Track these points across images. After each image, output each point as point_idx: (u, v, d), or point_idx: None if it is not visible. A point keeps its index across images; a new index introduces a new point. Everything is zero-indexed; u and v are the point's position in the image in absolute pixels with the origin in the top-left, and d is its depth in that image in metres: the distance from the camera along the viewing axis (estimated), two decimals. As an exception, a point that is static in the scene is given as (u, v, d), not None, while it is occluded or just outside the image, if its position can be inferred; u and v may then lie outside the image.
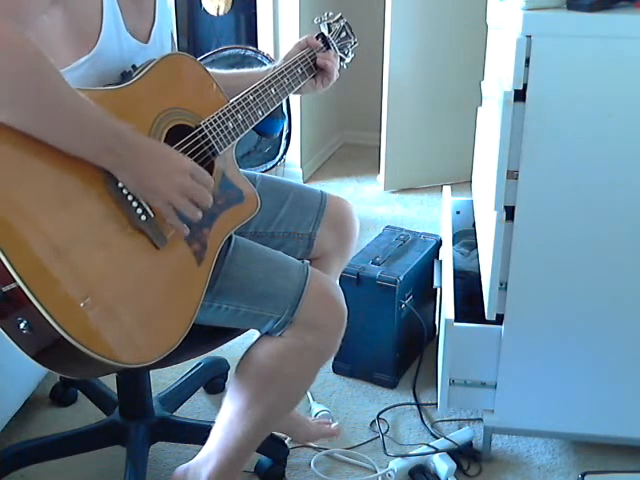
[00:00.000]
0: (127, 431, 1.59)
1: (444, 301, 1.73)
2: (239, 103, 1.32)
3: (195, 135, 1.24)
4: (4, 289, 0.94)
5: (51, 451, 1.64)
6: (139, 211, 1.11)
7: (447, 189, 2.26)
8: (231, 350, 1.62)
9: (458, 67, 3.19)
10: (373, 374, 2.00)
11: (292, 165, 3.37)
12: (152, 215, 1.13)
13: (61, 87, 1.02)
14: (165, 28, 1.35)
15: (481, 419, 1.72)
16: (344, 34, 1.59)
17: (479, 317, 1.61)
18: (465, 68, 3.02)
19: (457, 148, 3.18)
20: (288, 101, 2.56)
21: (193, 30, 3.63)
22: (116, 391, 1.64)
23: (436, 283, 2.02)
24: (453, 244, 2.02)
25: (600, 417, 1.64)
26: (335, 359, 2.01)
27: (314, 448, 1.75)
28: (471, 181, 2.41)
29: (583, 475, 1.63)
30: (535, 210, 1.48)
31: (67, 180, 1.04)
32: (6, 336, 1.00)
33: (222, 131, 1.28)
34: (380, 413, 1.88)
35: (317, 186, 1.67)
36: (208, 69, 1.36)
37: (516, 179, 1.46)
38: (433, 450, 1.70)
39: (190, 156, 1.20)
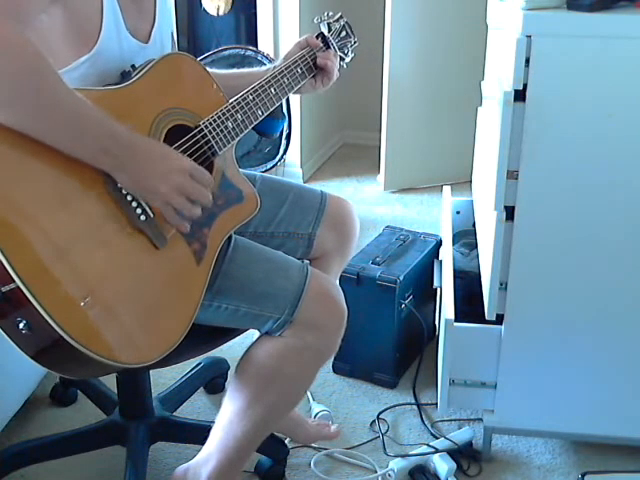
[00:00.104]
0: (127, 431, 1.59)
1: (444, 301, 1.73)
2: (239, 103, 1.32)
3: (195, 135, 1.24)
4: (3, 289, 0.94)
5: (51, 451, 1.64)
6: (138, 211, 1.11)
7: (447, 189, 2.26)
8: (231, 350, 1.62)
9: (458, 67, 3.19)
10: (373, 374, 2.00)
11: (292, 165, 3.37)
12: (152, 215, 1.13)
13: (59, 88, 1.02)
14: (165, 28, 1.34)
15: (481, 419, 1.72)
16: (344, 33, 1.59)
17: (479, 317, 1.61)
18: (465, 68, 3.02)
19: (457, 148, 3.18)
20: (288, 101, 2.56)
21: (193, 30, 3.63)
22: (116, 391, 1.64)
23: (436, 283, 2.02)
24: (453, 244, 2.02)
25: (600, 417, 1.64)
26: (335, 359, 2.01)
27: (314, 448, 1.75)
28: (471, 181, 2.41)
29: (583, 475, 1.63)
30: (535, 210, 1.48)
31: (66, 180, 1.04)
32: (5, 336, 1.00)
33: (222, 131, 1.28)
34: (380, 413, 1.88)
35: (317, 186, 1.67)
36: (208, 69, 1.36)
37: (516, 179, 1.45)
38: (433, 450, 1.70)
39: (189, 156, 1.20)
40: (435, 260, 2.11)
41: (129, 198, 1.10)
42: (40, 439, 1.68)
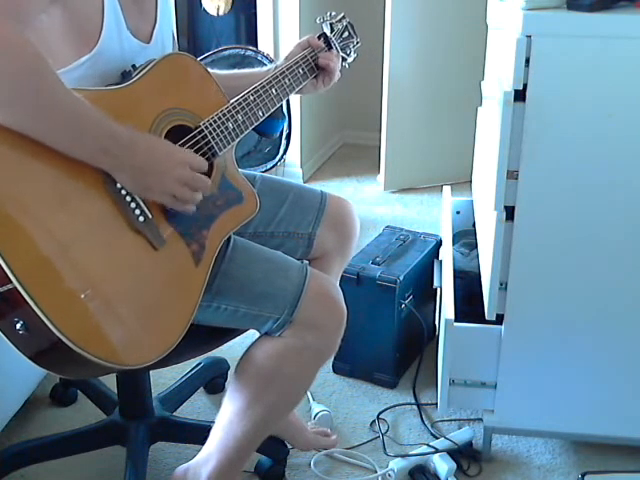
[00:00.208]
0: (127, 431, 1.59)
1: (444, 301, 1.73)
2: (239, 103, 1.32)
3: (195, 136, 1.24)
4: (0, 290, 0.94)
5: (51, 451, 1.64)
6: (137, 212, 1.11)
7: (447, 189, 2.26)
8: (231, 350, 1.61)
9: (458, 67, 3.19)
10: (373, 374, 2.00)
11: (292, 165, 3.37)
12: (150, 216, 1.13)
13: (59, 88, 1.02)
14: (166, 28, 1.34)
15: (481, 419, 1.72)
16: (347, 34, 1.59)
17: (479, 317, 1.61)
18: (465, 68, 3.02)
19: (457, 148, 3.18)
20: (288, 101, 2.56)
21: (193, 30, 3.63)
22: (116, 391, 1.64)
23: (436, 283, 2.02)
24: (453, 244, 2.02)
25: (600, 417, 1.64)
26: (335, 359, 2.01)
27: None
28: (471, 181, 2.41)
29: (583, 475, 1.63)
30: (535, 210, 1.48)
31: (66, 181, 1.04)
32: (3, 337, 1.00)
33: (222, 132, 1.28)
34: (380, 413, 1.88)
35: (317, 186, 1.67)
36: (208, 69, 1.36)
37: (516, 179, 1.45)
38: (433, 450, 1.70)
39: (190, 156, 1.20)
40: (435, 260, 2.11)
41: (128, 199, 1.10)
42: (40, 439, 1.68)
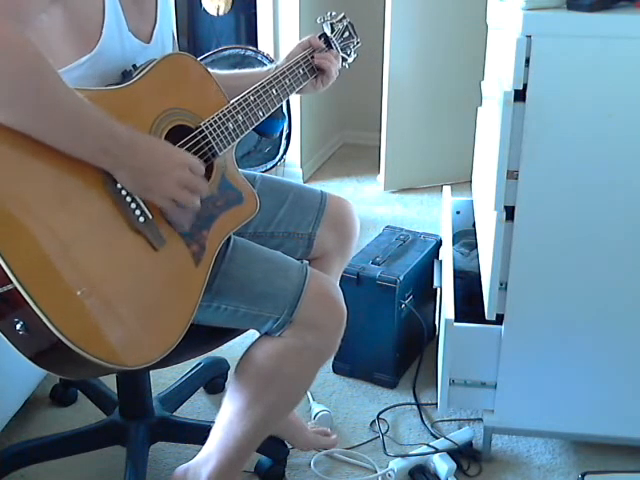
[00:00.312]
0: (127, 431, 1.59)
1: (444, 301, 1.73)
2: (240, 104, 1.32)
3: (195, 136, 1.24)
4: (0, 290, 0.94)
5: (51, 451, 1.64)
6: (137, 213, 1.11)
7: (447, 189, 2.26)
8: (231, 350, 1.61)
9: (458, 67, 3.19)
10: (373, 374, 2.00)
11: (292, 165, 3.37)
12: (150, 217, 1.13)
13: (59, 87, 1.02)
14: (166, 28, 1.34)
15: (481, 419, 1.72)
16: (347, 34, 1.59)
17: (479, 317, 1.61)
18: (465, 68, 3.02)
19: (457, 148, 3.18)
20: (288, 101, 2.56)
21: (193, 30, 3.63)
22: (116, 391, 1.64)
23: (436, 283, 2.02)
24: (453, 244, 2.02)
25: (600, 417, 1.64)
26: (335, 359, 2.01)
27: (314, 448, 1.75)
28: (471, 181, 2.41)
29: (583, 475, 1.63)
30: (535, 210, 1.48)
31: (66, 181, 1.04)
32: (3, 337, 1.00)
33: (222, 132, 1.28)
34: (380, 413, 1.88)
35: (317, 186, 1.67)
36: (209, 69, 1.36)
37: (516, 179, 1.45)
38: (433, 450, 1.70)
39: (190, 157, 1.20)
40: (435, 260, 2.11)
41: (128, 199, 1.10)
42: (40, 439, 1.68)
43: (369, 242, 2.13)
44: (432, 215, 3.10)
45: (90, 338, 0.99)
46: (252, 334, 1.37)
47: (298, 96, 3.13)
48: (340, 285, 1.40)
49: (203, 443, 1.41)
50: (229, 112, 1.30)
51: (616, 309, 1.54)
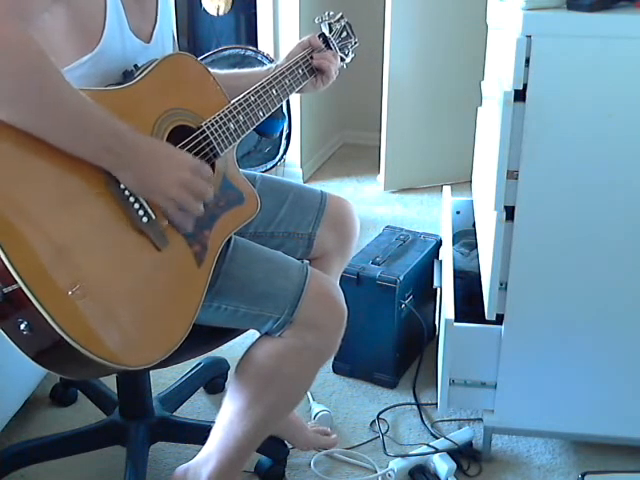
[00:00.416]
0: (127, 431, 1.59)
1: (444, 301, 1.73)
2: (240, 104, 1.32)
3: (197, 136, 1.24)
4: (5, 290, 0.94)
5: (51, 451, 1.64)
6: (140, 212, 1.11)
7: (447, 189, 2.26)
8: (231, 350, 1.62)
9: (458, 67, 3.19)
10: (373, 374, 2.00)
11: (292, 165, 3.37)
12: (153, 217, 1.13)
13: (63, 86, 1.02)
14: (166, 28, 1.35)
15: (481, 419, 1.72)
16: (345, 34, 1.59)
17: (479, 317, 1.61)
18: (465, 68, 3.02)
19: (457, 148, 3.18)
20: (288, 101, 2.56)
21: (193, 30, 3.63)
22: (116, 391, 1.64)
23: (436, 283, 2.02)
24: (453, 244, 2.02)
25: (600, 417, 1.64)
26: (335, 359, 2.01)
27: (314, 448, 1.75)
28: (471, 181, 2.41)
29: (583, 475, 1.63)
30: (535, 210, 1.48)
31: (68, 180, 1.04)
32: (6, 337, 1.00)
33: (224, 132, 1.28)
34: (380, 413, 1.88)
35: (317, 186, 1.67)
36: (210, 69, 1.36)
37: (516, 179, 1.46)
38: (433, 450, 1.70)
39: (192, 157, 1.20)
40: (435, 260, 2.11)
41: (131, 200, 1.10)
42: (40, 439, 1.68)
43: (369, 242, 2.13)
44: (432, 215, 3.10)
45: (94, 338, 0.99)
46: (252, 334, 1.37)
47: (298, 96, 3.13)
48: (340, 285, 1.40)
49: (203, 443, 1.41)
50: (230, 112, 1.30)
51: (616, 309, 1.54)
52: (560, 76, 1.38)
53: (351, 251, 1.64)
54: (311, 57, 1.49)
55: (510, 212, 1.49)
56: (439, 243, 2.12)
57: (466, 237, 2.07)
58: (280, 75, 1.42)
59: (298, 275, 1.31)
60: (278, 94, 1.40)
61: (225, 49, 2.62)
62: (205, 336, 1.35)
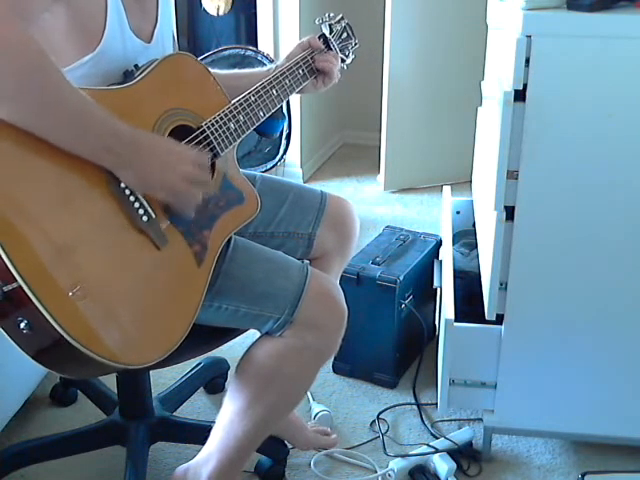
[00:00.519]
0: (127, 431, 1.59)
1: (444, 301, 1.73)
2: (241, 104, 1.32)
3: (197, 136, 1.24)
4: (5, 289, 0.94)
5: (51, 451, 1.64)
6: (140, 212, 1.11)
7: (447, 189, 2.26)
8: (231, 350, 1.62)
9: (458, 67, 3.19)
10: (373, 374, 2.00)
11: (292, 165, 3.37)
12: (154, 216, 1.13)
13: (63, 85, 1.02)
14: (167, 28, 1.35)
15: (481, 419, 1.72)
16: (345, 35, 1.59)
17: (479, 317, 1.61)
18: (465, 68, 3.02)
19: (457, 148, 3.18)
20: (288, 101, 2.56)
21: (193, 30, 3.63)
22: (116, 391, 1.64)
23: (436, 283, 2.02)
24: (453, 244, 2.02)
25: (600, 417, 1.65)
26: (335, 359, 2.01)
27: (314, 448, 1.75)
28: (471, 181, 2.41)
29: (583, 475, 1.63)
30: (535, 210, 1.48)
31: (69, 179, 1.04)
32: (6, 336, 1.00)
33: (224, 132, 1.28)
34: (380, 413, 1.88)
35: (317, 186, 1.67)
36: (210, 69, 1.36)
37: (516, 179, 1.46)
38: (433, 450, 1.70)
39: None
40: (435, 260, 2.11)
41: (132, 199, 1.11)
42: (40, 439, 1.68)
43: (369, 242, 2.13)
44: (432, 215, 3.10)
45: (94, 337, 0.99)
46: (252, 334, 1.37)
47: (298, 96, 3.13)
48: (340, 285, 1.40)
49: (203, 443, 1.41)
50: (230, 112, 1.30)
51: (616, 309, 1.54)
52: (560, 76, 1.38)
53: (351, 251, 1.64)
54: (311, 58, 1.49)
55: (510, 212, 1.49)
56: (439, 243, 2.12)
57: (466, 237, 2.07)
58: (280, 75, 1.42)
59: (298, 275, 1.31)
60: (278, 94, 1.40)
61: (225, 49, 2.62)
62: (205, 336, 1.35)
